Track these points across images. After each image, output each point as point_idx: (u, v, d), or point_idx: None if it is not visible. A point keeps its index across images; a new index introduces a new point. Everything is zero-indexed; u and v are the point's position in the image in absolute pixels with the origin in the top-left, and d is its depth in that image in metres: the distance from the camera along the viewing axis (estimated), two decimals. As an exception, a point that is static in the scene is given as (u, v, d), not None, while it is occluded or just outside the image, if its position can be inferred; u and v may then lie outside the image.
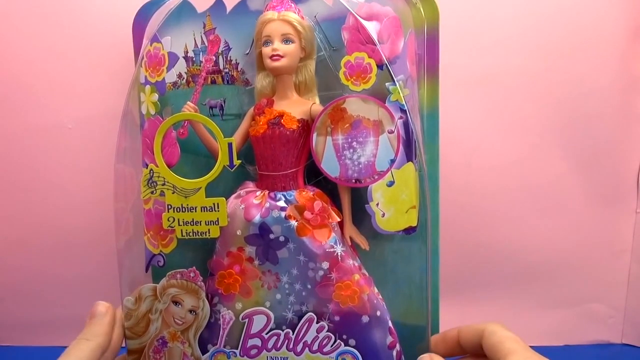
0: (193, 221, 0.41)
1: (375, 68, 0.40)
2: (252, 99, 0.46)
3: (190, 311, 0.43)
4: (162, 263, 0.44)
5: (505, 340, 0.36)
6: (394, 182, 0.41)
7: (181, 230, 0.42)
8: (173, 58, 0.43)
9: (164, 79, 0.42)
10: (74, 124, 0.57)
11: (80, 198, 0.59)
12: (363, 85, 0.41)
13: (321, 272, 0.41)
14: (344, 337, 0.42)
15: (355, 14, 0.40)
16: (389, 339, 0.42)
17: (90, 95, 0.55)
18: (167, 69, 0.43)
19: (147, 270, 0.45)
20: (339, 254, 0.41)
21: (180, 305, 0.43)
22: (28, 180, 0.58)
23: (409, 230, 0.42)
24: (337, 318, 0.42)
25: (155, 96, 0.43)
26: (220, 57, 0.46)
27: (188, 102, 0.42)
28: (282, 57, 0.41)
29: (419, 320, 0.43)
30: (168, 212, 0.42)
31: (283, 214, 0.41)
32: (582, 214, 0.60)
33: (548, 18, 0.55)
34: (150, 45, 0.43)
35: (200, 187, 0.41)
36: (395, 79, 0.40)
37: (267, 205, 0.42)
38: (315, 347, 0.42)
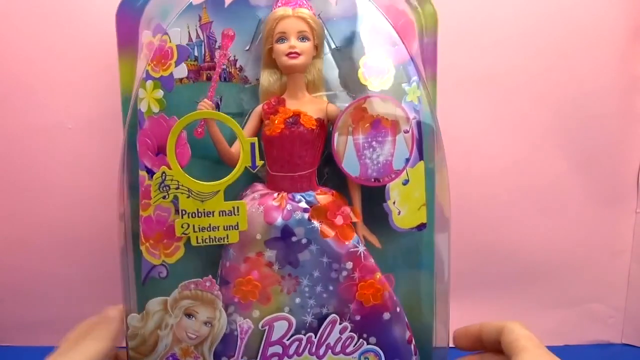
0: (210, 227, 0.39)
1: (392, 69, 0.41)
2: (252, 97, 0.44)
3: (206, 323, 0.40)
4: (165, 274, 0.41)
5: (521, 338, 0.37)
6: (408, 180, 0.42)
7: (197, 237, 0.39)
8: (183, 52, 0.40)
9: (171, 73, 0.39)
10: (74, 124, 0.56)
11: (80, 198, 0.58)
12: (381, 86, 0.41)
13: (345, 273, 0.41)
14: (364, 335, 0.42)
15: (383, 14, 0.41)
16: (407, 334, 0.43)
17: (90, 95, 0.54)
18: (176, 63, 0.39)
19: (144, 283, 0.41)
20: (362, 253, 0.41)
21: (194, 318, 0.40)
22: (28, 180, 0.58)
23: (420, 227, 0.43)
24: (357, 317, 0.42)
25: (160, 92, 0.39)
26: (217, 52, 0.43)
27: (205, 99, 0.39)
28: (299, 54, 0.40)
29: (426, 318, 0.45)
30: (182, 218, 0.38)
31: (306, 215, 0.40)
32: (582, 214, 0.60)
33: (548, 18, 0.55)
34: (154, 37, 0.39)
35: (219, 190, 0.39)
36: (410, 80, 0.42)
37: (289, 207, 0.40)
38: (338, 348, 0.42)
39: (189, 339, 0.40)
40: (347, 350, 0.42)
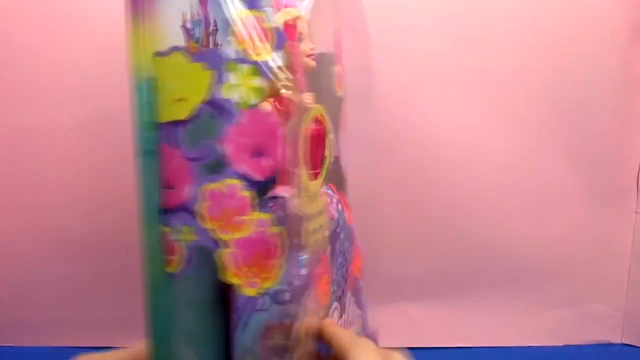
0: (320, 227, 0.36)
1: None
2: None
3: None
4: (267, 304, 0.34)
5: None
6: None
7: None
8: (281, 36, 0.34)
9: (272, 59, 0.33)
10: (73, 124, 0.56)
11: (81, 198, 0.57)
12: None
13: (352, 253, 0.46)
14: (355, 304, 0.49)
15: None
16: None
17: (91, 95, 0.53)
18: (275, 48, 0.33)
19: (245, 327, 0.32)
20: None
21: (310, 335, 0.35)
22: (28, 180, 0.58)
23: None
24: (351, 290, 0.48)
25: (258, 80, 0.32)
26: (211, 37, 0.38)
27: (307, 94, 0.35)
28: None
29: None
30: (309, 222, 0.34)
31: (340, 206, 0.43)
32: (582, 214, 0.60)
33: (548, 18, 0.56)
34: (250, 10, 0.32)
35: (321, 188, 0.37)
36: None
37: (335, 200, 0.42)
38: (353, 321, 0.47)
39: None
40: (354, 321, 0.47)
